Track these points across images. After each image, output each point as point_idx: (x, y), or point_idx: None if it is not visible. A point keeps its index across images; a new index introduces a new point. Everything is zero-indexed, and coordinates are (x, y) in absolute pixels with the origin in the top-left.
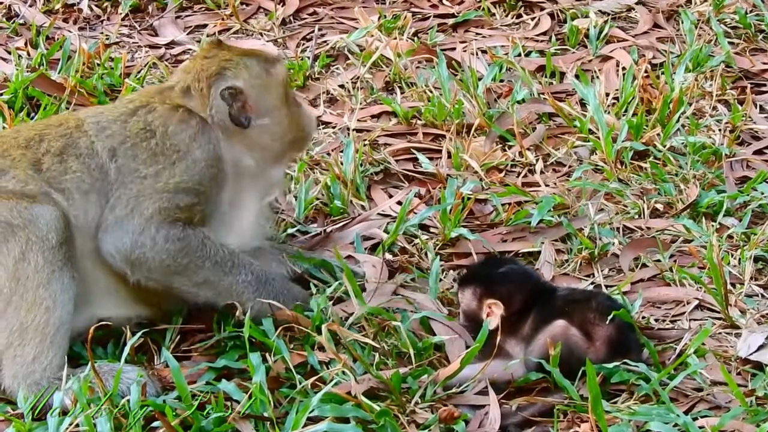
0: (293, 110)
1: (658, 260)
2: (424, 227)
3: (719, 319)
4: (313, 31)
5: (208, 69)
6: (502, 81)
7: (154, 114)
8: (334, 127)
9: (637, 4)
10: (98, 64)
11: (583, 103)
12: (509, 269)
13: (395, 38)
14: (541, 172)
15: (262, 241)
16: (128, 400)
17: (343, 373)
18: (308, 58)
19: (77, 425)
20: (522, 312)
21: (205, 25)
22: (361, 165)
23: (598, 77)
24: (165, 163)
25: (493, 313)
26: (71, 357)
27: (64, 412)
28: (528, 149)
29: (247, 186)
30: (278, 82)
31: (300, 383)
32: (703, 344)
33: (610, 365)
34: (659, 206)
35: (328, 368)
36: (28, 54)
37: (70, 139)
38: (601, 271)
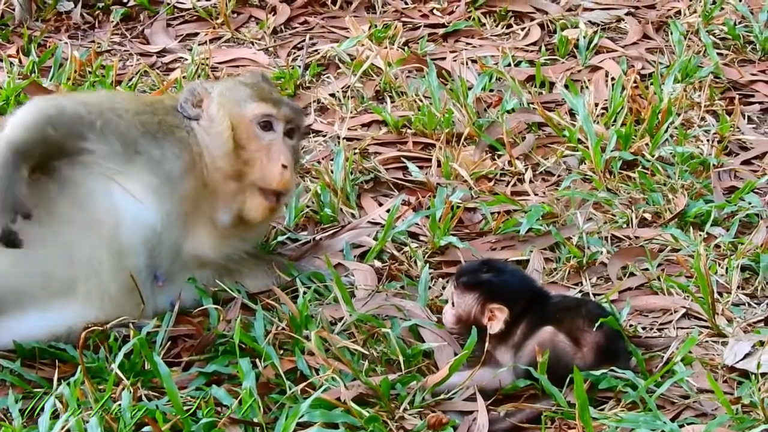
0: (248, 150)
1: (646, 269)
2: (413, 235)
3: (706, 327)
4: (304, 40)
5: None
6: (491, 91)
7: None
8: (324, 136)
9: (626, 15)
10: (90, 72)
11: (572, 113)
12: (512, 274)
13: (386, 48)
14: (530, 182)
15: (252, 249)
16: (119, 405)
17: (333, 379)
18: (299, 66)
19: (68, 430)
20: (515, 318)
21: (196, 34)
22: (351, 173)
23: (587, 87)
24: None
25: (497, 318)
26: (63, 361)
27: (55, 417)
28: (517, 158)
29: (205, 196)
30: (242, 117)
31: (290, 389)
32: (690, 352)
33: (598, 372)
34: (647, 216)
35: (317, 374)
36: (20, 61)
37: None
38: (589, 279)
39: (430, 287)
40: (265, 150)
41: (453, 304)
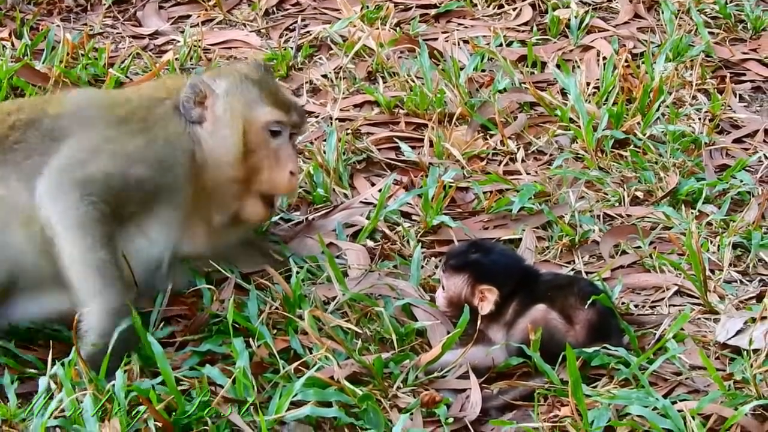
0: (256, 156)
1: (638, 247)
2: (406, 215)
3: (698, 304)
4: (296, 22)
5: (218, 69)
6: (483, 71)
7: (141, 92)
8: (317, 117)
9: None
10: (82, 55)
11: (564, 93)
12: (500, 254)
13: (378, 28)
14: (523, 161)
15: (246, 233)
16: (113, 385)
17: (326, 358)
18: (291, 48)
19: (62, 410)
20: (506, 298)
21: (188, 16)
22: (344, 154)
23: (579, 67)
24: (124, 131)
25: (487, 299)
26: (58, 342)
27: (50, 397)
28: (509, 138)
29: (204, 198)
30: (253, 123)
31: (283, 368)
32: (682, 329)
33: (590, 350)
34: (639, 194)
35: (311, 353)
36: (13, 45)
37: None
38: (582, 257)
39: (422, 266)
40: (273, 156)
41: (443, 287)
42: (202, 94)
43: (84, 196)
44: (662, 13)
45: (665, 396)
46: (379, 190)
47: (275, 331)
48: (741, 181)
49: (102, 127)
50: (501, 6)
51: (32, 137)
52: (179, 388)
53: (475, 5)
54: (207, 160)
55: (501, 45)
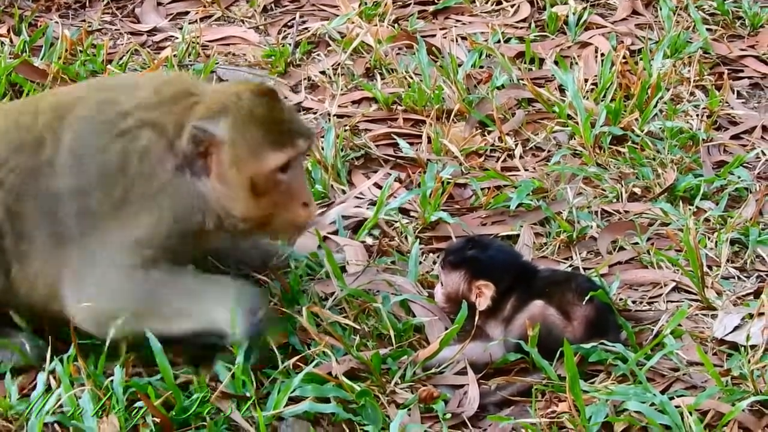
0: (268, 199)
1: (636, 243)
2: (404, 211)
3: (696, 300)
4: (294, 18)
5: (213, 101)
6: (481, 67)
7: (136, 144)
8: (315, 113)
9: None
10: (81, 51)
11: (562, 89)
12: (498, 250)
13: (376, 25)
14: (520, 157)
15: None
16: (111, 381)
17: (324, 354)
18: (289, 44)
19: (61, 405)
20: (504, 293)
21: (186, 12)
22: (342, 150)
23: (577, 63)
24: (130, 213)
25: (484, 295)
26: (56, 337)
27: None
28: (507, 134)
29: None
30: (261, 171)
31: (282, 363)
32: (680, 325)
33: (588, 345)
34: (637, 190)
35: (309, 349)
36: (11, 41)
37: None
38: (579, 254)
39: (420, 262)
40: (285, 191)
41: (442, 283)
42: (204, 145)
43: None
44: (660, 9)
45: (663, 392)
46: (375, 185)
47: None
48: (739, 178)
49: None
50: (499, 2)
51: None
52: (177, 383)
53: (474, 2)
54: (216, 212)
55: (499, 41)
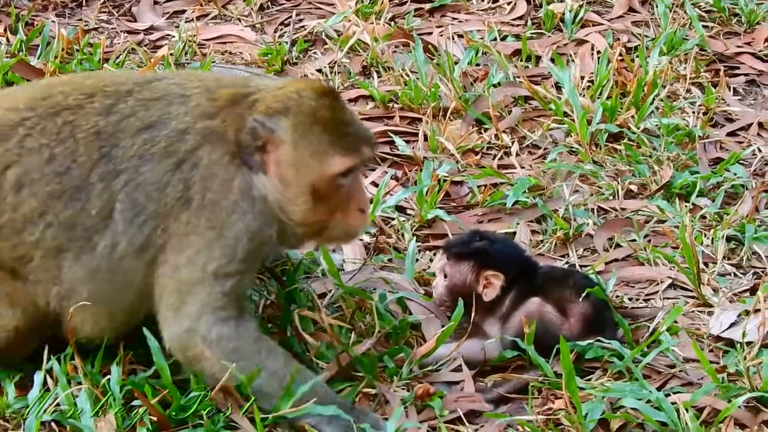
0: (326, 205)
1: (633, 240)
2: (400, 209)
3: (692, 297)
4: (290, 17)
5: (274, 99)
6: (478, 65)
7: (199, 167)
8: None
9: None
10: (77, 50)
11: (558, 87)
12: (505, 243)
13: (372, 23)
14: (517, 155)
15: None
16: (108, 379)
17: (322, 354)
18: (286, 43)
19: (58, 404)
20: (505, 289)
21: (183, 11)
22: None
23: (573, 61)
24: (199, 245)
25: (492, 285)
26: (53, 336)
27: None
28: (504, 132)
29: None
30: (323, 175)
31: None
32: (676, 322)
33: (584, 342)
34: (633, 187)
35: (306, 347)
36: (8, 40)
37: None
38: (576, 251)
39: (417, 260)
40: (344, 197)
41: (445, 275)
42: (263, 140)
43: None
44: (656, 6)
45: (659, 389)
46: (372, 183)
47: (270, 325)
48: (735, 174)
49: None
50: (495, 0)
51: None
52: (174, 380)
53: (470, 0)
54: (278, 217)
55: (495, 39)
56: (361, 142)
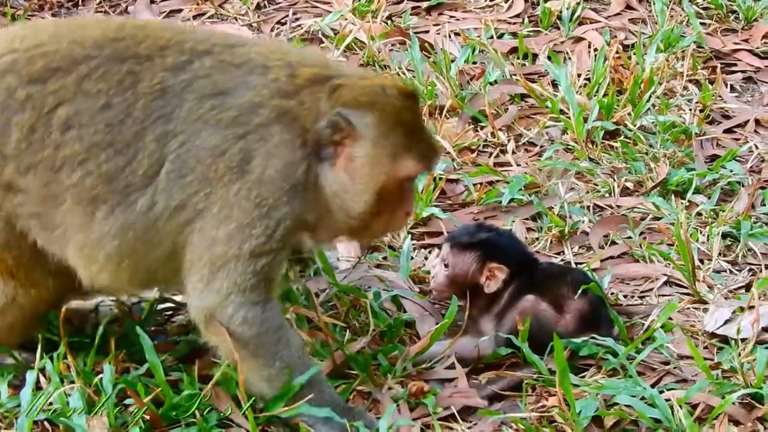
0: (382, 204)
1: (628, 237)
2: None
3: (687, 294)
4: (287, 15)
5: (360, 91)
6: (474, 63)
7: (267, 142)
8: None
9: None
10: None
11: (554, 84)
12: (509, 237)
13: (369, 21)
14: (513, 152)
15: None
16: (101, 378)
17: (316, 350)
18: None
19: (50, 403)
20: (504, 284)
21: (180, 10)
22: None
23: (570, 58)
24: (242, 220)
25: (495, 277)
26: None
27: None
28: (500, 130)
29: None
30: (393, 176)
31: None
32: (671, 319)
33: (578, 339)
34: (629, 185)
35: None
36: None
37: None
38: (571, 248)
39: (412, 258)
40: (398, 200)
41: (446, 265)
42: (342, 134)
43: None
44: (654, 3)
45: (653, 385)
46: None
47: None
48: (731, 171)
49: None
50: None
51: None
52: (168, 379)
53: None
54: (328, 206)
55: (492, 37)
56: (432, 150)
